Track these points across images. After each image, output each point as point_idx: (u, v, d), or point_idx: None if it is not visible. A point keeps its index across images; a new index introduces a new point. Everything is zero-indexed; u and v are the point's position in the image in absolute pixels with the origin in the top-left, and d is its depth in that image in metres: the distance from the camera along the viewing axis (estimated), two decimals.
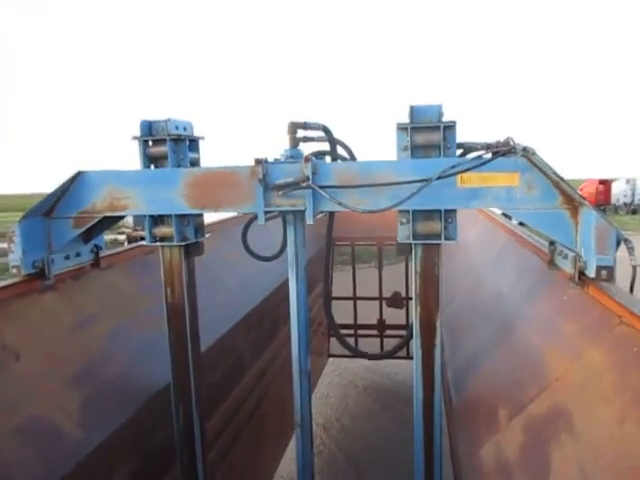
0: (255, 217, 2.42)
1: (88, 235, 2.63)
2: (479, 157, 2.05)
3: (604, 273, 1.89)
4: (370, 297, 7.85)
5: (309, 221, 2.19)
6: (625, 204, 36.90)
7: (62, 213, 2.44)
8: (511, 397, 2.04)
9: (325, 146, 2.47)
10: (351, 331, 7.91)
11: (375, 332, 7.94)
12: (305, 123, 2.38)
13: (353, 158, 2.45)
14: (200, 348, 2.61)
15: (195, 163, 2.49)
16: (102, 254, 2.79)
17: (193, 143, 2.47)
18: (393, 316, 7.77)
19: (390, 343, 7.95)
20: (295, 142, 2.35)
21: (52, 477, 1.87)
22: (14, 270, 2.35)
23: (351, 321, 7.83)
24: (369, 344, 8.08)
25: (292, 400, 2.56)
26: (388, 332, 7.82)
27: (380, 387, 9.17)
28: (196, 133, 2.54)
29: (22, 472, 1.82)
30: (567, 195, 2.01)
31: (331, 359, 8.77)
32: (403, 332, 7.51)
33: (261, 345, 4.36)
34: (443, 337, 3.02)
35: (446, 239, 2.14)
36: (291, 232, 2.40)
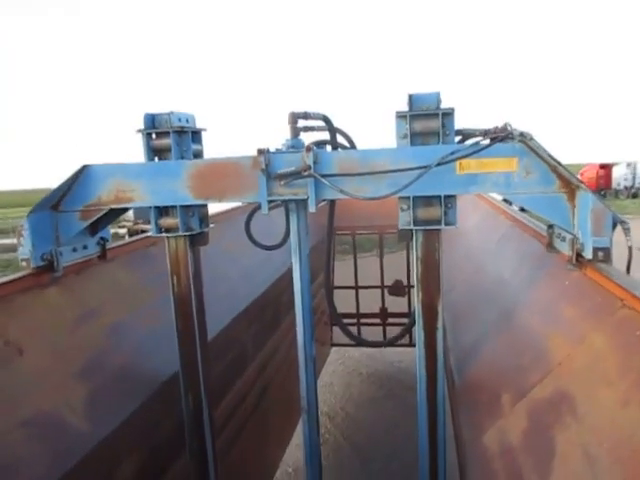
0: (258, 207, 2.47)
1: (94, 228, 2.68)
2: (477, 143, 2.08)
3: (601, 254, 1.94)
4: (372, 286, 7.87)
5: (312, 209, 2.23)
6: (626, 188, 36.90)
7: (69, 206, 2.48)
8: (514, 382, 2.06)
9: (325, 135, 2.51)
10: (354, 320, 7.93)
11: (378, 320, 7.98)
12: (305, 113, 2.41)
13: (353, 146, 2.48)
14: (207, 336, 2.66)
15: (198, 155, 2.52)
16: (108, 246, 2.84)
17: (196, 135, 2.51)
18: (395, 304, 7.79)
19: (393, 331, 7.97)
20: (296, 132, 2.39)
21: (68, 463, 1.92)
22: (24, 263, 2.41)
23: (353, 310, 7.85)
24: (372, 332, 8.12)
25: (298, 386, 2.62)
26: (390, 320, 7.86)
27: (384, 375, 9.27)
28: (198, 125, 2.57)
29: (31, 465, 1.84)
30: (564, 179, 2.04)
31: (335, 348, 8.82)
32: (405, 320, 7.59)
33: (266, 333, 4.42)
34: (445, 323, 3.07)
35: (446, 224, 2.18)
36: (294, 221, 2.44)
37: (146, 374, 2.62)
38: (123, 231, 21.73)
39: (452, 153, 2.05)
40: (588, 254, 1.97)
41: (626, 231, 1.97)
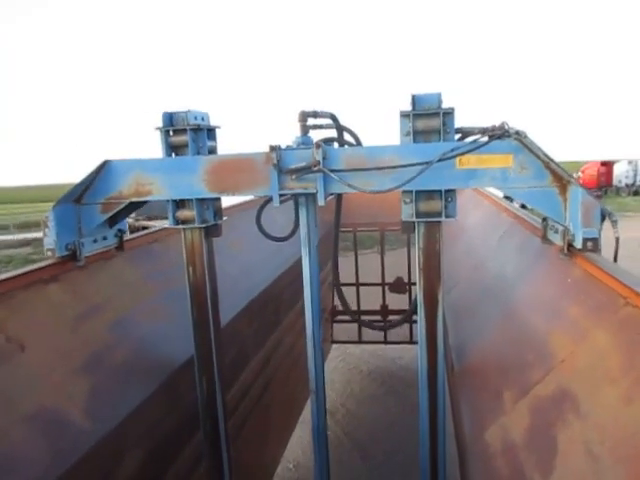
0: (267, 201, 2.62)
1: (113, 220, 2.83)
2: (476, 140, 2.22)
3: (590, 244, 2.08)
4: (373, 283, 7.89)
5: (320, 202, 2.38)
6: (627, 185, 36.98)
7: (91, 199, 2.63)
8: (516, 378, 2.09)
9: (333, 133, 2.66)
10: (354, 317, 8.04)
11: (379, 318, 7.98)
12: (315, 112, 2.56)
13: (359, 143, 2.63)
14: (220, 323, 2.81)
15: (212, 151, 2.67)
16: (125, 238, 3.00)
17: (211, 132, 2.66)
18: (396, 302, 7.81)
19: (394, 329, 8.17)
20: (306, 130, 2.53)
21: (70, 459, 1.93)
22: (49, 253, 2.55)
23: (354, 307, 7.78)
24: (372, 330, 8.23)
25: (306, 370, 2.77)
26: (391, 317, 7.84)
27: (384, 372, 9.30)
28: (212, 123, 2.72)
29: (34, 461, 1.84)
30: (556, 174, 2.19)
31: (335, 345, 8.82)
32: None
33: (275, 321, 4.58)
34: (447, 319, 3.21)
35: (446, 217, 2.33)
36: (303, 213, 2.59)
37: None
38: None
39: (452, 150, 2.18)
40: (578, 244, 2.12)
41: (613, 223, 2.12)
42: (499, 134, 2.17)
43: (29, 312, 2.25)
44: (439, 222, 2.37)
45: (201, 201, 2.57)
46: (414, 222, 2.38)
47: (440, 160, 2.18)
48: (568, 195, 2.18)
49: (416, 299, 2.50)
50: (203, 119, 2.60)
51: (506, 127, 2.18)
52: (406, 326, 7.84)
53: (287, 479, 6.23)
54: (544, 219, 2.48)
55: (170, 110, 2.55)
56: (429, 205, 2.35)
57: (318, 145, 2.32)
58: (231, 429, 2.94)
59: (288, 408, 5.13)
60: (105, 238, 2.85)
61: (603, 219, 2.14)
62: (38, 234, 27.65)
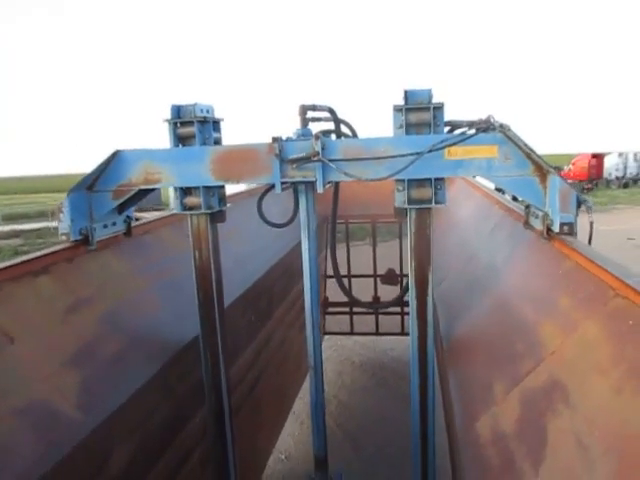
0: (268, 190, 2.80)
1: (122, 207, 2.99)
2: (464, 133, 2.41)
3: (566, 228, 2.29)
4: (365, 274, 7.88)
5: (319, 190, 2.55)
6: (617, 178, 37.34)
7: (102, 187, 2.79)
8: (507, 369, 2.12)
9: (331, 125, 2.83)
10: (346, 309, 7.96)
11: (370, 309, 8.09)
12: (314, 105, 2.74)
13: (355, 135, 2.81)
14: (224, 303, 2.99)
15: (218, 142, 2.83)
16: (133, 224, 3.17)
17: (216, 124, 2.82)
18: (388, 293, 7.68)
19: (385, 320, 8.11)
20: (305, 122, 2.71)
21: (61, 451, 1.93)
22: (63, 237, 2.72)
23: (346, 298, 7.86)
24: (364, 321, 8.18)
25: (305, 348, 2.96)
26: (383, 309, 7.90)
27: (376, 363, 9.33)
28: (217, 115, 2.88)
29: (24, 454, 1.83)
30: (537, 164, 2.38)
31: (327, 336, 8.80)
32: (398, 309, 7.61)
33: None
34: (438, 311, 3.36)
35: (436, 203, 2.51)
36: (303, 200, 2.77)
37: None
38: None
39: (442, 141, 2.36)
40: (556, 228, 2.32)
41: (588, 209, 2.32)
42: (485, 127, 2.36)
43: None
44: (429, 208, 2.56)
45: (207, 189, 2.74)
46: (406, 208, 2.56)
47: (430, 151, 2.36)
48: (548, 183, 2.38)
49: (408, 281, 2.69)
50: (208, 112, 2.77)
51: (492, 120, 2.37)
52: (397, 318, 7.96)
53: (279, 471, 6.26)
54: (527, 206, 2.68)
55: (177, 103, 2.71)
56: (420, 192, 2.53)
57: (317, 137, 2.49)
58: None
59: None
60: (114, 224, 3.02)
61: (579, 205, 2.33)
62: (27, 226, 27.50)
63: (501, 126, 2.35)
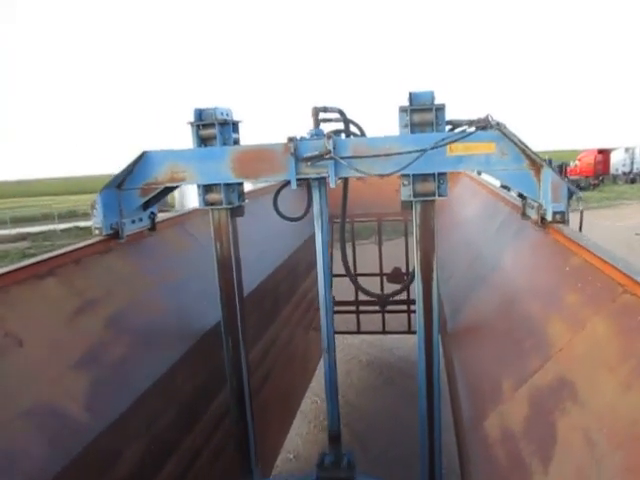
0: (283, 186, 3.03)
1: (147, 204, 3.23)
2: (464, 131, 2.63)
3: (558, 217, 2.51)
4: (371, 273, 7.84)
5: (332, 185, 2.78)
6: (624, 173, 37.20)
7: (131, 185, 3.03)
8: (515, 366, 2.14)
9: (341, 125, 3.06)
10: (353, 307, 7.98)
11: (377, 308, 8.24)
12: (325, 107, 2.97)
13: (363, 134, 3.04)
14: (244, 292, 3.22)
15: (237, 142, 3.06)
16: (157, 220, 3.41)
17: (235, 126, 3.05)
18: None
19: (392, 318, 8.17)
20: (317, 123, 2.94)
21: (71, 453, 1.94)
22: (96, 231, 2.97)
23: (352, 297, 7.71)
24: (371, 320, 8.23)
25: (319, 332, 3.19)
26: (389, 307, 7.73)
27: (383, 362, 9.41)
28: (235, 118, 3.11)
29: (33, 456, 1.83)
30: (531, 159, 2.59)
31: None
32: (404, 307, 7.68)
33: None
34: (445, 307, 3.52)
35: (439, 195, 2.73)
36: (316, 194, 3.00)
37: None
38: None
39: (443, 139, 2.58)
40: (549, 217, 2.54)
41: (578, 199, 2.54)
42: (483, 125, 2.58)
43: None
44: (433, 200, 2.78)
45: (227, 185, 2.97)
46: (412, 201, 2.78)
47: (433, 148, 2.57)
48: (541, 176, 2.59)
49: (414, 270, 2.91)
50: (228, 114, 3.00)
51: (489, 119, 2.58)
52: (404, 317, 8.04)
53: (287, 470, 6.27)
54: (523, 198, 2.90)
55: (199, 107, 2.95)
56: (424, 186, 2.75)
57: (329, 136, 2.72)
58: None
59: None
60: (141, 220, 3.26)
61: (570, 196, 2.55)
62: (33, 228, 27.65)
63: (498, 124, 2.56)
